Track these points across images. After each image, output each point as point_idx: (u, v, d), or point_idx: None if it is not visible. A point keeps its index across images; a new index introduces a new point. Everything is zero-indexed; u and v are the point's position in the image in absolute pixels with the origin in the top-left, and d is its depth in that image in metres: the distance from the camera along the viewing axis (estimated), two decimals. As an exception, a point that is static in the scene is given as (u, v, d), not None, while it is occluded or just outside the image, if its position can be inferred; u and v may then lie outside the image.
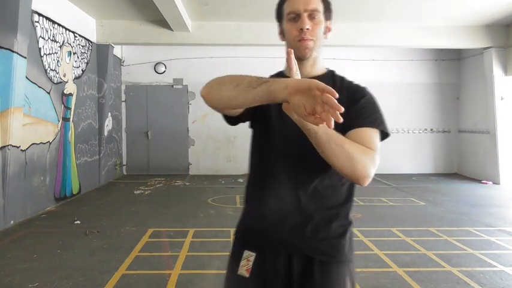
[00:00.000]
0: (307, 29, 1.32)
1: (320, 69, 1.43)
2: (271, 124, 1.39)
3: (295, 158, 1.36)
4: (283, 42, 1.42)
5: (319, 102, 0.94)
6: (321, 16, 1.36)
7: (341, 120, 0.93)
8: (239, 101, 1.15)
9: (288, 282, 1.38)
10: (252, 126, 1.47)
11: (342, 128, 1.18)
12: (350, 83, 1.43)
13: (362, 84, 1.42)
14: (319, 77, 1.26)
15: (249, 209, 1.50)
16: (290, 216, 1.37)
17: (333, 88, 0.92)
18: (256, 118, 1.41)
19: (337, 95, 0.92)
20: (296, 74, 1.10)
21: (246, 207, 1.51)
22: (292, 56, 1.12)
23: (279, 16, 1.42)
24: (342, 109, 0.91)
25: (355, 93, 1.37)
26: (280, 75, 1.45)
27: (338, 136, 1.16)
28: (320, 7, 1.35)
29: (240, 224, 1.52)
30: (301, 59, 1.35)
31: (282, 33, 1.42)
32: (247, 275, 1.39)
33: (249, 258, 1.40)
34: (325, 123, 0.95)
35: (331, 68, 1.47)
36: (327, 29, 1.40)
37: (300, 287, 1.37)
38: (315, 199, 1.36)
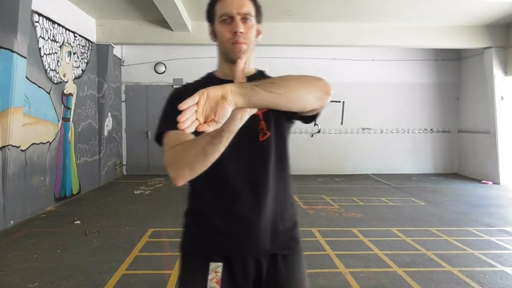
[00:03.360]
0: (241, 32, 1.33)
1: (250, 70, 1.46)
2: None
3: (249, 159, 1.38)
4: (216, 42, 1.44)
5: None
6: (253, 19, 1.37)
7: None
8: (215, 157, 1.17)
9: (258, 279, 1.39)
10: None
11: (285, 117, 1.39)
12: None
13: None
14: (250, 77, 1.30)
15: (209, 218, 1.42)
16: (255, 220, 1.37)
17: None
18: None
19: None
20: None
21: (202, 217, 1.43)
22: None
23: (211, 17, 1.41)
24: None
25: None
26: (212, 78, 1.46)
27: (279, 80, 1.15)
28: (252, 11, 1.37)
29: (192, 237, 1.44)
30: (234, 62, 1.37)
31: (214, 34, 1.42)
32: (218, 287, 1.35)
33: (216, 269, 1.35)
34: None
35: (260, 69, 1.51)
36: (258, 32, 1.42)
37: (267, 282, 1.40)
38: (271, 197, 1.39)
